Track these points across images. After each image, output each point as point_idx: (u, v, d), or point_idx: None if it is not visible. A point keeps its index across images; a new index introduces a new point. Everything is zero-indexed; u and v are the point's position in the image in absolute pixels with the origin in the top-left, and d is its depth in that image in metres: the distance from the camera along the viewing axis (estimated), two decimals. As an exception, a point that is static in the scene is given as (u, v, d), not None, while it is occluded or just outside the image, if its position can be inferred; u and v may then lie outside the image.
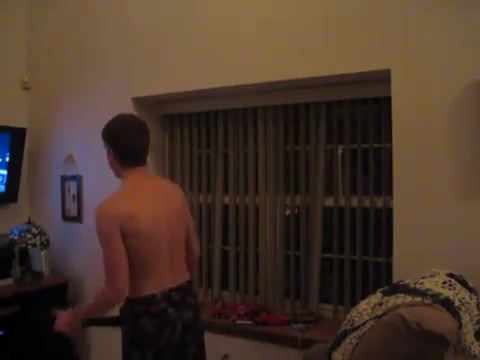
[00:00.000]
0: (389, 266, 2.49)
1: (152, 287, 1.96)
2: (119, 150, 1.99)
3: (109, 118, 3.09)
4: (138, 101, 3.20)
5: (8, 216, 3.48)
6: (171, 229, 2.03)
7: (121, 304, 2.01)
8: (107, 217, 1.88)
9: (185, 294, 2.05)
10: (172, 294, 2.00)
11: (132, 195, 1.97)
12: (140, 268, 1.94)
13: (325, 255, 2.88)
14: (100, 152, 3.33)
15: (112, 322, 2.13)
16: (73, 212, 3.47)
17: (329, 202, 2.84)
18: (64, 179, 3.51)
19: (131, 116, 2.12)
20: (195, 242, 2.24)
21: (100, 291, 1.93)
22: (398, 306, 1.64)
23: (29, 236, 3.27)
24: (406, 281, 1.83)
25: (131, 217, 1.88)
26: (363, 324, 1.75)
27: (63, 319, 2.08)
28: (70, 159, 3.47)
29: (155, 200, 1.99)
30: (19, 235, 3.26)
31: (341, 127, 2.79)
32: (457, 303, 1.64)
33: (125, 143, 1.97)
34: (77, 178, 3.43)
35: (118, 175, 2.07)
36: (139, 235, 1.90)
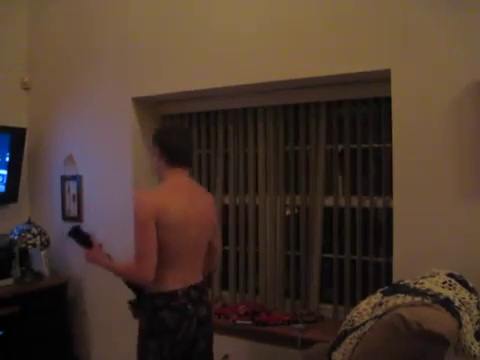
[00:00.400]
0: (389, 266, 2.49)
1: (174, 283, 2.07)
2: (167, 151, 2.15)
3: (109, 118, 3.10)
4: (138, 101, 3.20)
5: (8, 216, 3.48)
6: (200, 227, 2.15)
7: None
8: (144, 208, 2.01)
9: (200, 292, 2.16)
10: (191, 292, 2.10)
11: (168, 191, 2.13)
12: (167, 262, 2.04)
13: (325, 255, 2.87)
14: (100, 152, 3.36)
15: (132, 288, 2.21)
16: (73, 212, 3.47)
17: (329, 202, 2.84)
18: (64, 179, 3.51)
19: (179, 124, 2.37)
20: (219, 245, 2.39)
21: (130, 265, 2.03)
22: (398, 306, 1.64)
23: (29, 236, 3.27)
24: (406, 281, 1.83)
25: (165, 210, 2.01)
26: (363, 324, 1.75)
27: (95, 255, 2.21)
28: (70, 159, 3.47)
29: (188, 198, 2.12)
30: (19, 235, 3.26)
31: (341, 127, 2.79)
32: (457, 303, 1.64)
33: (172, 146, 2.15)
34: (77, 178, 3.43)
35: (160, 177, 2.22)
36: (171, 227, 2.02)
